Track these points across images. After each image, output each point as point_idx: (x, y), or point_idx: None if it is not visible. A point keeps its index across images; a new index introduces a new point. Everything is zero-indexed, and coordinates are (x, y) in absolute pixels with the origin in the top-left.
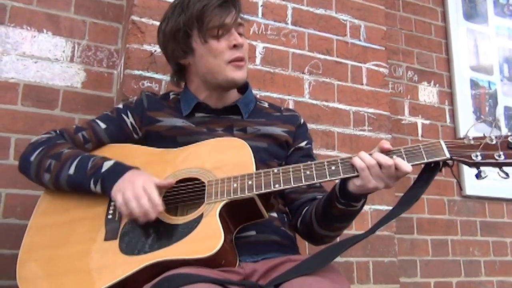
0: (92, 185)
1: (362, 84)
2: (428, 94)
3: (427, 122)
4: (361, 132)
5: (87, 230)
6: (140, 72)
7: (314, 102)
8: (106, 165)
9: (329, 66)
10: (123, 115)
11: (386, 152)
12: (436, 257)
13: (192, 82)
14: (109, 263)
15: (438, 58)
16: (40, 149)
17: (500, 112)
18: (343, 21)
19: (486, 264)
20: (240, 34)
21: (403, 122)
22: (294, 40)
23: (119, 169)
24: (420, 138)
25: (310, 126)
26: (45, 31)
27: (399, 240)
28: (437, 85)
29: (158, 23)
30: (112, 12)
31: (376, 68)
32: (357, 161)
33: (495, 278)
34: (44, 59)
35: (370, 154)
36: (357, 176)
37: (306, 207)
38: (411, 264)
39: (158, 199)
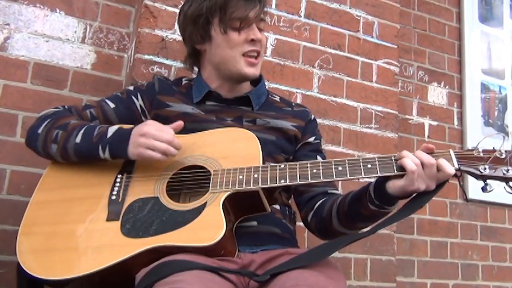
0: (100, 152)
1: (372, 81)
2: (437, 95)
3: (435, 123)
4: (368, 130)
5: (90, 209)
6: (150, 56)
7: (323, 96)
8: (111, 130)
9: (339, 61)
10: (132, 96)
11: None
12: (435, 259)
13: (205, 69)
14: (109, 243)
15: (450, 59)
16: (47, 121)
17: (509, 117)
18: (356, 17)
19: (484, 269)
20: (260, 29)
21: (410, 121)
22: (306, 33)
23: (124, 132)
24: (426, 139)
25: (317, 120)
26: (57, 10)
27: (398, 240)
28: (447, 87)
29: (171, 9)
30: None
31: (387, 66)
32: (408, 162)
33: (492, 283)
34: (55, 38)
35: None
36: (398, 177)
37: (319, 201)
38: (408, 264)
39: (170, 136)
